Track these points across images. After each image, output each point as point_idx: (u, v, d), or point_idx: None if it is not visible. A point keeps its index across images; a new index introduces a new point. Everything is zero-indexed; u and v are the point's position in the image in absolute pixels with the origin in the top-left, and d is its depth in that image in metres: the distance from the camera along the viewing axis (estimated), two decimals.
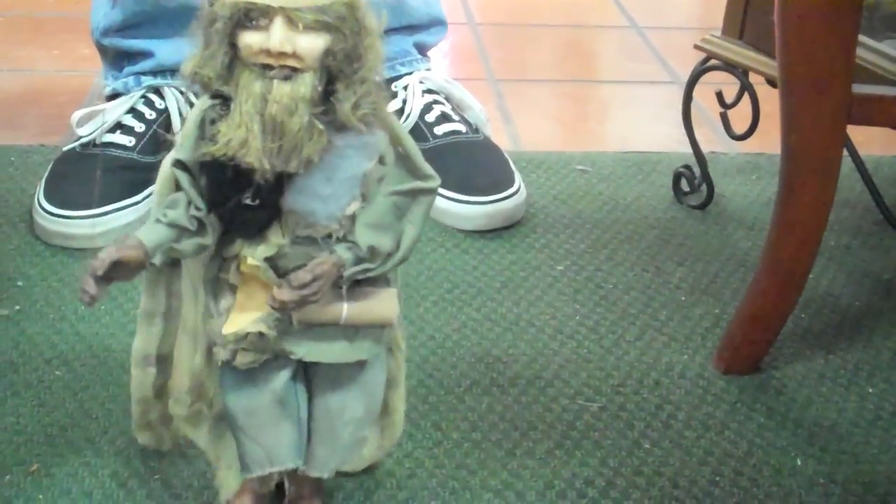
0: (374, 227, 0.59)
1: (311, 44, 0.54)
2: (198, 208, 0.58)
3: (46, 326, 0.92)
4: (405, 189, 0.60)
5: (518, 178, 1.13)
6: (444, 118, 1.16)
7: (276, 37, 0.54)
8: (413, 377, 0.88)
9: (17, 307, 0.94)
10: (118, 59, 1.14)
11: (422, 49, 1.21)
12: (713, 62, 1.13)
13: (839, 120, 0.81)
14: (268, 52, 0.54)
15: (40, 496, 0.74)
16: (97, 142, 1.09)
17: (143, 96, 1.12)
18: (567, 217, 1.14)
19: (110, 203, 1.04)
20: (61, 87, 1.42)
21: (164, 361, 0.67)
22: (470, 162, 1.12)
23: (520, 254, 1.07)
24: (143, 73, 1.12)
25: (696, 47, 1.14)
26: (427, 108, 1.16)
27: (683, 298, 1.01)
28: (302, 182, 0.57)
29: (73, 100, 1.36)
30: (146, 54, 1.12)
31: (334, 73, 0.55)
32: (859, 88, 0.81)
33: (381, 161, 0.58)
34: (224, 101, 0.56)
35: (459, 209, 1.10)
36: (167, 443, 0.71)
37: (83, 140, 1.09)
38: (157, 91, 1.12)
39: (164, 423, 0.70)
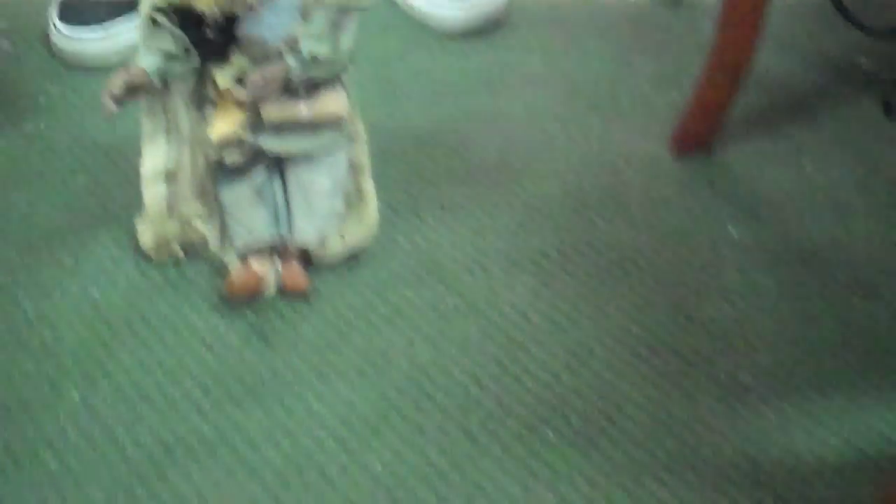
0: (313, 38, 0.69)
1: None
2: (182, 38, 0.69)
3: (69, 140, 1.03)
4: (339, 5, 0.69)
5: None
6: None
7: None
8: (395, 169, 0.99)
9: (42, 124, 1.05)
10: None
11: None
12: None
13: None
14: None
15: (74, 287, 0.87)
16: None
17: None
18: (543, 13, 1.22)
19: (117, 17, 1.13)
20: None
21: (171, 176, 0.79)
22: None
23: (499, 53, 1.16)
24: None
25: None
26: None
27: (647, 88, 1.10)
28: (251, 15, 0.66)
29: None
30: None
31: None
32: None
33: None
34: None
35: (441, 12, 1.18)
36: (178, 254, 0.84)
37: None
38: None
39: (175, 238, 0.82)
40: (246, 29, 0.68)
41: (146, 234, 0.85)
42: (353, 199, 0.82)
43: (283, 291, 0.83)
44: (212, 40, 0.69)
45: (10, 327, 0.83)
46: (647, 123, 1.05)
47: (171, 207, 0.81)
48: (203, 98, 0.73)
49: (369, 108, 0.84)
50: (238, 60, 0.70)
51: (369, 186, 0.83)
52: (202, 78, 0.73)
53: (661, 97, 1.09)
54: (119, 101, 0.73)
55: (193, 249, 0.86)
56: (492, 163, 1.00)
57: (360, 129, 0.79)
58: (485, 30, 1.18)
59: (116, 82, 0.73)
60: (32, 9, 1.22)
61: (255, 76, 0.69)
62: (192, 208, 0.80)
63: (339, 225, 0.82)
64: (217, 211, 0.81)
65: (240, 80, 0.71)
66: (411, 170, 0.99)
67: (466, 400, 0.78)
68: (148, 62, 0.73)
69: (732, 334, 0.83)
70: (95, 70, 1.12)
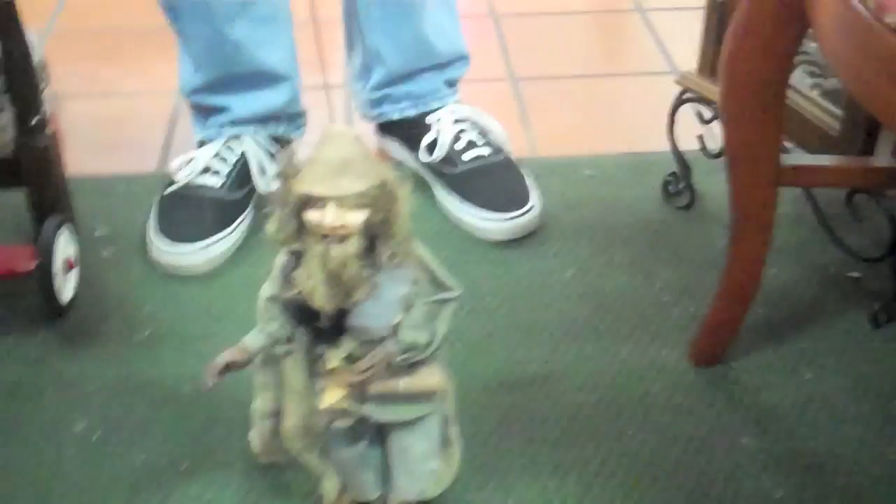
0: (413, 328, 0.85)
1: (355, 218, 0.79)
2: (288, 327, 0.86)
3: (173, 348, 1.20)
4: (435, 299, 0.87)
5: (533, 194, 1.39)
6: (470, 145, 1.41)
7: (330, 216, 0.79)
8: (454, 378, 1.15)
9: (148, 332, 1.22)
10: (203, 113, 1.40)
11: (450, 83, 1.46)
12: (689, 94, 1.37)
13: (771, 184, 1.05)
14: (324, 225, 0.80)
15: (192, 489, 1.03)
16: (192, 184, 1.36)
17: (225, 143, 1.38)
18: (575, 223, 1.40)
19: (209, 236, 1.31)
20: (144, 110, 1.68)
21: (276, 413, 0.94)
22: (493, 183, 1.38)
23: (536, 262, 1.33)
24: (223, 125, 1.38)
25: (676, 82, 1.38)
26: (456, 138, 1.42)
27: (666, 298, 1.27)
28: (360, 308, 0.83)
29: (155, 123, 1.62)
30: (225, 109, 1.38)
31: (374, 234, 0.81)
32: (786, 159, 1.06)
33: (416, 283, 0.85)
34: (297, 255, 0.83)
35: (486, 224, 1.36)
36: (282, 459, 1.00)
37: (180, 184, 1.35)
38: (236, 138, 1.38)
39: (280, 449, 0.98)
40: (354, 320, 0.84)
41: (255, 441, 1.00)
42: (442, 446, 0.98)
43: None
44: (324, 328, 0.85)
45: None
46: (668, 333, 1.22)
47: (276, 435, 0.96)
48: (315, 371, 0.89)
49: None
50: (347, 344, 0.85)
51: (455, 433, 0.98)
52: (313, 353, 0.88)
53: (678, 307, 1.26)
54: (219, 376, 0.88)
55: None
56: (537, 373, 1.17)
57: (449, 387, 0.95)
58: (523, 238, 1.36)
59: (220, 363, 0.87)
60: (128, 217, 1.40)
61: (364, 363, 0.84)
62: (296, 444, 0.95)
63: (433, 478, 0.97)
64: (317, 447, 0.95)
65: (348, 358, 0.86)
66: (468, 379, 1.15)
67: None
68: (254, 340, 0.88)
69: None
70: (191, 278, 1.29)
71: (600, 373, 1.17)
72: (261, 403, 0.95)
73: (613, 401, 1.13)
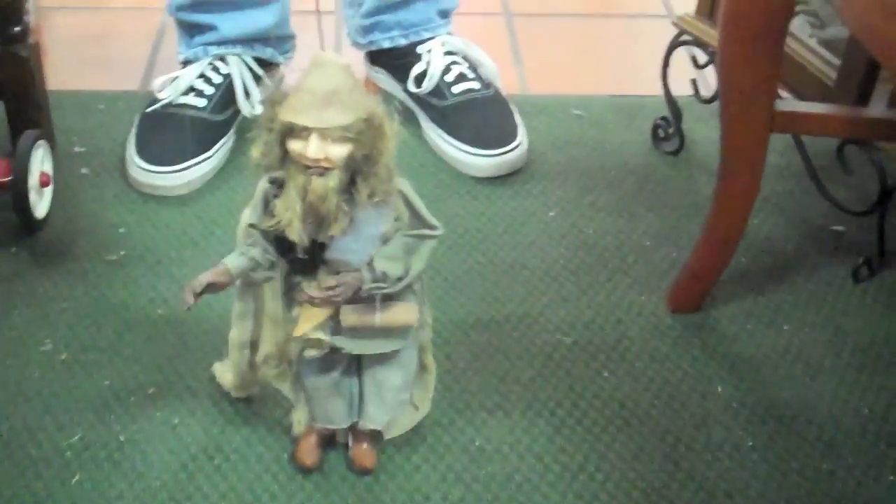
0: (387, 257, 0.84)
1: (338, 151, 0.78)
2: (269, 253, 0.84)
3: (147, 270, 1.18)
4: (415, 234, 0.85)
5: (521, 131, 1.37)
6: (460, 77, 1.39)
7: (313, 148, 0.77)
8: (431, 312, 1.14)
9: (122, 252, 1.20)
10: (189, 31, 1.36)
11: (443, 14, 1.43)
12: (686, 37, 1.34)
13: (764, 130, 1.04)
14: (306, 157, 0.78)
15: (158, 413, 1.02)
16: (174, 102, 1.33)
17: (211, 63, 1.35)
18: (561, 163, 1.38)
19: (190, 158, 1.29)
20: (129, 26, 1.64)
21: (254, 344, 0.94)
22: (481, 118, 1.36)
23: (520, 200, 1.32)
24: (209, 44, 1.35)
25: (673, 24, 1.35)
26: (446, 69, 1.39)
27: (648, 243, 1.26)
28: (338, 242, 0.81)
29: (140, 40, 1.59)
30: (211, 27, 1.35)
31: (356, 170, 0.79)
32: (780, 105, 1.04)
33: (398, 219, 0.83)
34: (279, 182, 0.81)
35: (472, 160, 1.34)
36: (256, 391, 0.99)
37: (163, 102, 1.33)
38: (222, 59, 1.35)
39: (255, 382, 0.97)
40: (332, 254, 0.83)
41: (226, 376, 0.99)
42: (418, 373, 0.96)
43: (351, 467, 0.97)
44: (302, 260, 0.83)
45: (106, 452, 0.98)
46: (647, 278, 1.21)
47: (252, 366, 0.96)
48: (291, 300, 0.87)
49: None
50: (324, 277, 0.84)
51: (431, 361, 0.97)
52: (289, 280, 0.87)
53: (659, 252, 1.25)
54: (199, 296, 0.84)
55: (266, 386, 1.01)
56: (513, 312, 1.15)
57: (427, 316, 0.94)
58: (508, 175, 1.34)
59: (200, 282, 0.84)
60: (108, 134, 1.38)
61: (330, 281, 0.83)
62: (270, 368, 0.94)
63: (404, 410, 0.96)
64: (291, 374, 0.94)
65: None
66: (444, 315, 1.14)
67: None
68: (235, 263, 0.85)
69: (715, 486, 0.98)
70: (168, 199, 1.27)
71: (577, 315, 1.16)
72: (238, 333, 0.94)
73: (589, 343, 1.12)
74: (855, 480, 1.00)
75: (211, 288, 0.85)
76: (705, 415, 1.05)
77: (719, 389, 1.08)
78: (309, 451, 0.96)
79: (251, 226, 0.84)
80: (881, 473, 1.00)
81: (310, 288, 0.83)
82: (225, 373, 1.00)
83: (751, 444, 1.02)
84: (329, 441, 0.97)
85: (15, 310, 1.12)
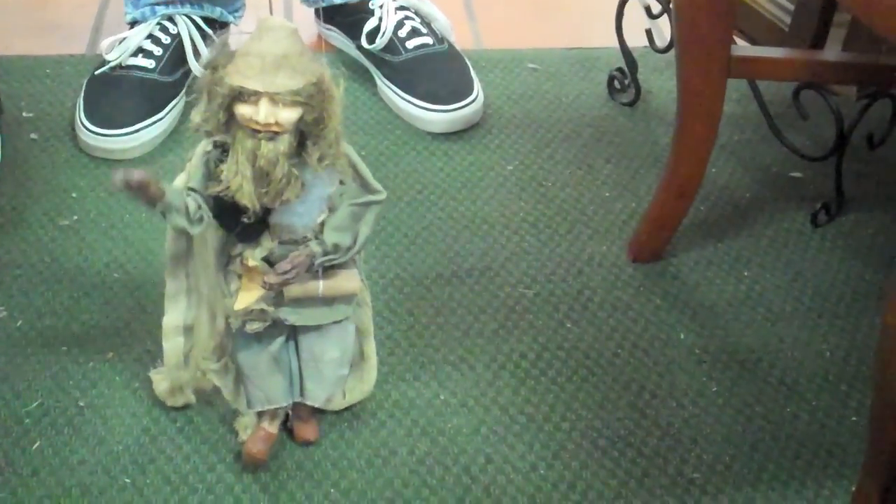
0: (337, 229, 0.83)
1: (288, 115, 0.76)
2: (203, 210, 0.81)
3: (101, 234, 1.16)
4: (360, 201, 0.84)
5: (476, 85, 1.35)
6: (414, 33, 1.37)
7: (263, 112, 0.75)
8: (391, 270, 1.14)
9: (75, 217, 1.18)
10: None
11: None
12: None
13: (721, 76, 1.03)
14: (256, 121, 0.76)
15: (117, 378, 1.00)
16: (123, 64, 1.30)
17: (159, 24, 1.32)
18: (518, 117, 1.37)
19: (141, 120, 1.26)
20: None
21: (189, 330, 0.90)
22: (436, 74, 1.34)
23: (477, 154, 1.31)
24: (157, 4, 1.33)
25: None
26: (399, 24, 1.37)
27: (607, 194, 1.26)
28: (285, 206, 0.80)
29: (86, 2, 1.55)
30: None
31: (305, 133, 0.78)
32: (736, 50, 1.04)
33: (342, 182, 0.82)
34: (222, 147, 0.79)
35: (427, 116, 1.33)
36: (192, 401, 0.96)
37: (111, 64, 1.30)
38: (171, 19, 1.33)
39: (188, 385, 0.94)
40: (278, 217, 0.81)
41: (162, 384, 0.96)
42: (355, 360, 0.95)
43: (294, 440, 0.95)
44: (248, 225, 0.81)
45: (66, 418, 0.96)
46: (607, 228, 1.20)
47: (188, 358, 0.93)
48: (228, 272, 0.85)
49: None
50: (267, 242, 0.83)
51: (371, 348, 0.95)
52: (226, 253, 0.85)
53: (619, 203, 1.24)
54: (126, 187, 0.77)
55: (204, 395, 0.98)
56: (475, 266, 1.15)
57: (366, 296, 0.92)
58: (464, 130, 1.33)
59: (137, 175, 0.77)
60: (56, 99, 1.35)
61: (285, 264, 0.81)
62: (209, 363, 0.92)
63: (343, 385, 0.95)
64: (232, 368, 0.93)
65: (266, 259, 0.83)
66: (404, 271, 1.13)
67: (460, 489, 0.93)
68: (172, 195, 0.80)
69: (680, 432, 0.99)
70: (120, 162, 1.25)
71: (539, 267, 1.15)
72: (171, 317, 0.91)
73: (551, 295, 1.12)
74: (818, 422, 1.00)
75: (141, 188, 0.77)
76: (669, 362, 1.05)
77: (682, 337, 1.08)
78: (257, 442, 0.93)
79: (191, 189, 0.81)
80: (844, 414, 1.01)
81: (254, 256, 0.82)
82: (160, 381, 0.96)
83: (715, 389, 1.03)
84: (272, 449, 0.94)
85: None
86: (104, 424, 0.96)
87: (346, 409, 0.98)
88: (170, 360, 0.93)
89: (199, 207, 0.82)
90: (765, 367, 1.05)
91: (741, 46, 1.04)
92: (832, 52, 1.12)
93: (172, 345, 0.92)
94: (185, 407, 0.97)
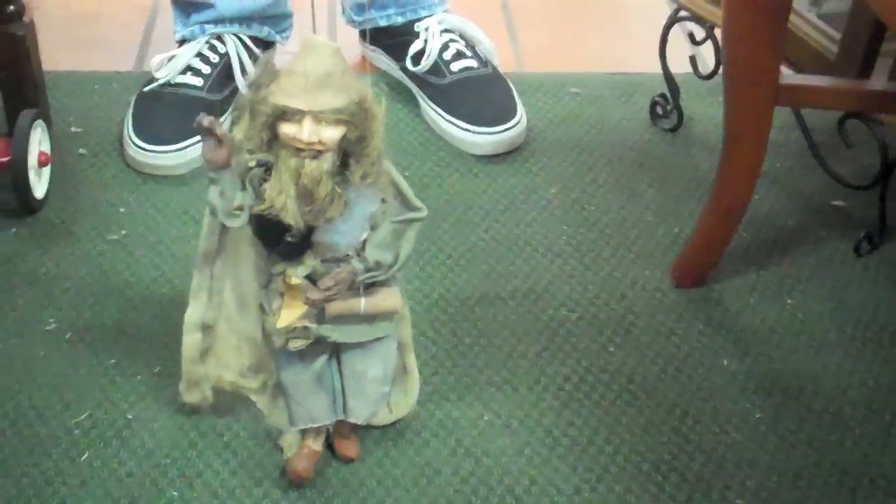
0: (379, 246, 0.83)
1: (332, 134, 0.77)
2: (241, 212, 0.82)
3: (149, 249, 1.17)
4: (402, 219, 0.84)
5: (520, 108, 1.36)
6: (458, 55, 1.38)
7: (307, 131, 0.76)
8: (435, 291, 1.14)
9: (124, 231, 1.19)
10: (185, 10, 1.35)
11: None
12: (683, 13, 1.34)
13: (768, 103, 1.04)
14: (300, 140, 0.77)
15: (164, 392, 1.01)
16: (171, 82, 1.32)
17: (208, 42, 1.34)
18: (560, 141, 1.38)
19: (188, 137, 1.28)
20: (121, 6, 1.63)
21: (207, 329, 0.91)
22: (480, 96, 1.35)
23: (520, 177, 1.31)
24: (206, 23, 1.34)
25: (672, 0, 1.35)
26: (444, 47, 1.38)
27: (650, 219, 1.26)
28: (329, 224, 0.81)
29: (133, 20, 1.57)
30: (208, 5, 1.34)
31: (348, 151, 0.79)
32: (784, 79, 1.04)
33: (384, 201, 0.83)
34: (265, 166, 0.80)
35: (471, 138, 1.34)
36: (209, 400, 0.95)
37: (160, 81, 1.32)
38: (219, 38, 1.35)
39: (206, 383, 0.94)
40: (321, 236, 0.82)
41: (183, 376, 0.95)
42: (398, 374, 0.95)
43: (335, 455, 0.96)
44: (292, 244, 0.82)
45: (115, 430, 0.97)
46: (650, 253, 1.21)
47: (204, 354, 0.93)
48: (270, 290, 0.86)
49: None
50: (309, 260, 0.83)
51: (412, 361, 0.96)
52: (268, 272, 0.86)
53: (661, 228, 1.25)
54: (208, 132, 0.78)
55: (226, 400, 0.98)
56: (518, 288, 1.15)
57: (406, 311, 0.93)
58: (508, 153, 1.34)
59: (207, 123, 0.78)
60: (104, 115, 1.37)
61: (328, 280, 0.82)
62: (248, 381, 0.93)
63: (385, 403, 0.95)
64: (270, 385, 0.93)
65: (308, 277, 0.84)
66: (448, 292, 1.14)
67: None
68: (233, 175, 0.80)
69: (724, 458, 0.99)
70: (168, 178, 1.26)
71: (582, 290, 1.16)
72: (192, 312, 0.91)
73: (594, 319, 1.12)
74: (862, 451, 1.00)
75: (210, 134, 0.78)
76: (712, 388, 1.05)
77: (725, 362, 1.08)
78: (302, 460, 0.93)
79: (238, 208, 0.82)
80: (888, 443, 1.01)
81: (297, 274, 0.83)
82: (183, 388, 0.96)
83: (758, 416, 1.03)
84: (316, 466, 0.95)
85: (17, 290, 1.11)
86: (151, 437, 0.97)
87: (391, 426, 0.99)
88: (186, 354, 0.93)
89: (241, 209, 0.82)
90: (808, 394, 1.05)
91: (789, 75, 1.05)
92: (879, 81, 1.13)
93: (190, 339, 0.92)
94: (214, 410, 0.97)
